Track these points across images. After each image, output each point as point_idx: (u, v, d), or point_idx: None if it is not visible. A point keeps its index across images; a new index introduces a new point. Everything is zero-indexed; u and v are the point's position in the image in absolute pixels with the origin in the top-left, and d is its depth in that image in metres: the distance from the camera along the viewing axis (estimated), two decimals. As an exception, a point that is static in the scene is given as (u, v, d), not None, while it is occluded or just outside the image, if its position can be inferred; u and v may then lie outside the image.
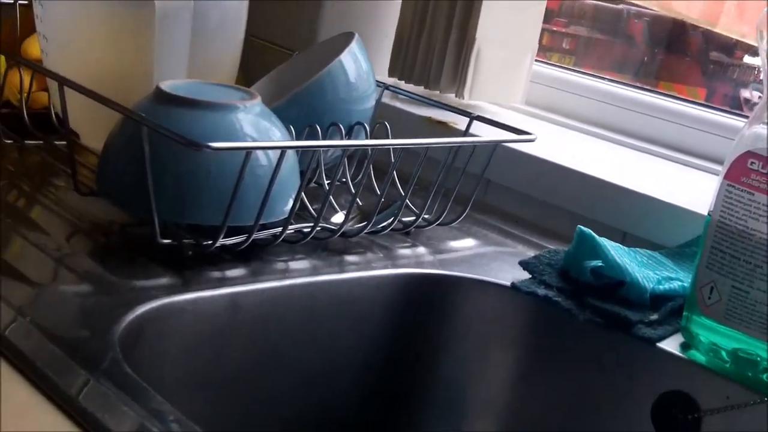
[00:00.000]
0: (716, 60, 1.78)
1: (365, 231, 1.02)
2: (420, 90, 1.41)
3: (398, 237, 1.07)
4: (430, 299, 1.00)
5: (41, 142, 1.13)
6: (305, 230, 0.97)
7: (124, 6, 1.10)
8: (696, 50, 1.80)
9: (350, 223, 1.01)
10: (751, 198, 0.83)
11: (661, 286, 0.94)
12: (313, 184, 1.12)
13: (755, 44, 0.86)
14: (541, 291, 0.95)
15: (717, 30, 1.65)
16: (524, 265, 1.01)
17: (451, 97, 1.40)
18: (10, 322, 0.74)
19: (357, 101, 1.10)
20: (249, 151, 0.86)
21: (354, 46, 1.10)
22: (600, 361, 0.94)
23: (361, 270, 0.97)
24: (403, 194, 1.04)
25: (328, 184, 1.01)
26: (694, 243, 1.03)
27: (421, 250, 1.06)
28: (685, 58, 1.81)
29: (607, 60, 1.91)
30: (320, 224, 0.97)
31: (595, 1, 1.91)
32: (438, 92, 1.40)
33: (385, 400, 1.02)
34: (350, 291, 0.96)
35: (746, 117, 1.08)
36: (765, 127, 0.83)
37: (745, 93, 1.63)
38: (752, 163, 0.83)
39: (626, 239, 1.12)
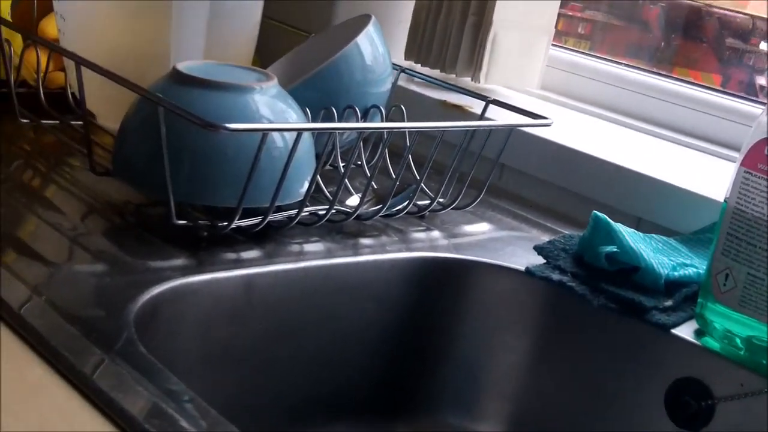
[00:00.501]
0: (732, 46, 1.77)
1: (380, 214, 1.01)
2: (436, 73, 1.41)
3: (413, 220, 1.07)
4: (444, 283, 1.00)
5: (57, 122, 1.13)
6: (320, 213, 0.97)
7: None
8: (712, 36, 1.79)
9: (365, 206, 1.01)
10: (768, 185, 0.82)
11: (675, 273, 0.94)
12: (328, 167, 1.12)
13: None
14: (556, 276, 0.95)
15: (747, 12, 1.64)
16: (539, 250, 1.00)
17: (467, 81, 1.40)
18: (26, 300, 0.74)
19: (373, 84, 1.10)
20: (265, 133, 0.86)
21: (371, 28, 1.10)
22: (614, 347, 0.94)
23: (375, 253, 0.97)
24: (418, 178, 1.04)
25: (343, 166, 1.01)
26: (709, 230, 1.03)
27: (436, 233, 1.05)
28: (700, 44, 1.80)
29: (622, 45, 1.90)
30: (335, 207, 0.97)
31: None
32: (454, 76, 1.40)
33: (397, 383, 1.02)
34: (365, 274, 0.96)
35: (763, 103, 1.07)
36: (783, 114, 0.83)
37: (761, 80, 1.63)
38: (770, 149, 0.83)
39: (641, 225, 1.12)
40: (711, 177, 1.14)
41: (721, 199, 0.87)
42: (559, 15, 1.48)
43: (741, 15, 1.86)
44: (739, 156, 0.86)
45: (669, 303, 0.92)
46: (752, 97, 1.34)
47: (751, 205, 0.83)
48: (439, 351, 1.02)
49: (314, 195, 0.97)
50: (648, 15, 1.90)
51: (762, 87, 1.57)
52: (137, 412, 0.62)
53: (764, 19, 1.56)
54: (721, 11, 1.86)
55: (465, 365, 1.02)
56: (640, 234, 1.00)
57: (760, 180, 0.83)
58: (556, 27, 1.45)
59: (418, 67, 1.42)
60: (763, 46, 1.58)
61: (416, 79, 1.30)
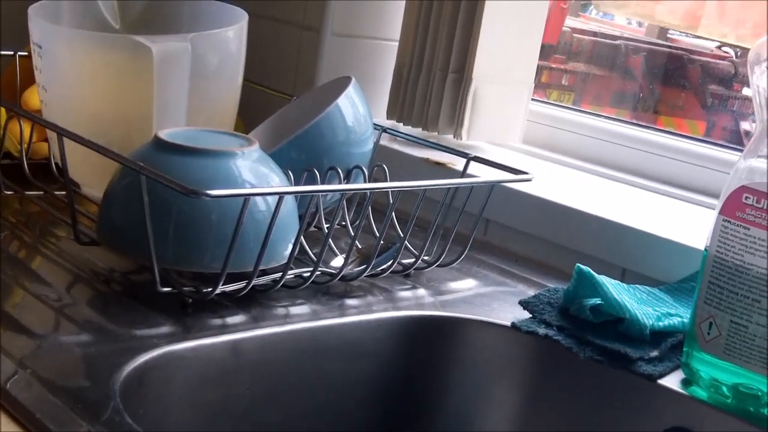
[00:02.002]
0: (715, 92, 1.78)
1: (365, 274, 1.02)
2: (418, 131, 1.42)
3: (398, 279, 1.07)
4: (431, 340, 1.00)
5: (42, 192, 1.14)
6: (305, 275, 0.97)
7: (123, 54, 1.11)
8: (695, 83, 1.80)
9: (350, 267, 1.02)
10: (747, 232, 0.83)
11: (660, 323, 0.94)
12: (312, 228, 1.12)
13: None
14: (542, 330, 0.96)
15: (698, 33, 1.67)
16: (524, 304, 1.01)
17: (449, 138, 1.41)
18: (11, 375, 0.74)
19: (355, 144, 1.11)
20: (247, 197, 0.87)
21: (351, 90, 1.11)
22: (602, 398, 0.94)
23: (362, 313, 0.97)
24: (402, 236, 1.05)
25: (327, 227, 1.02)
26: (692, 278, 1.03)
27: (422, 291, 1.06)
28: (684, 91, 1.81)
29: (606, 95, 1.92)
30: (320, 268, 0.97)
31: (592, 38, 1.92)
32: (436, 134, 1.41)
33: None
34: (352, 334, 0.96)
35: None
36: (759, 160, 0.84)
37: (745, 125, 1.64)
38: (747, 197, 0.83)
39: (626, 276, 1.12)
40: (694, 226, 1.15)
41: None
42: (543, 67, 1.50)
43: (723, 61, 1.88)
44: (717, 204, 0.86)
45: (655, 353, 0.92)
46: (733, 145, 1.35)
47: (731, 253, 0.84)
48: (430, 406, 1.02)
49: (299, 257, 0.97)
50: (631, 64, 1.92)
51: (747, 132, 1.58)
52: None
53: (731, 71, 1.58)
54: (703, 58, 1.88)
55: (456, 420, 1.02)
56: (624, 285, 1.00)
57: (738, 228, 0.83)
58: (539, 79, 1.47)
59: (401, 126, 1.44)
60: (746, 91, 1.59)
61: (399, 138, 1.31)
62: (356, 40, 1.51)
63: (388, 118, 1.47)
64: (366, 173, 1.10)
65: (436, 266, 1.10)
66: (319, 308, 0.96)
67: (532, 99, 1.47)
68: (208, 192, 0.83)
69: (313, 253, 1.01)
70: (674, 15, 1.72)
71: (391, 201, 1.03)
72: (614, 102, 1.88)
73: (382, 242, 1.02)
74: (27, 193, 1.13)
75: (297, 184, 1.03)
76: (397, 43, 1.47)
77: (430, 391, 1.02)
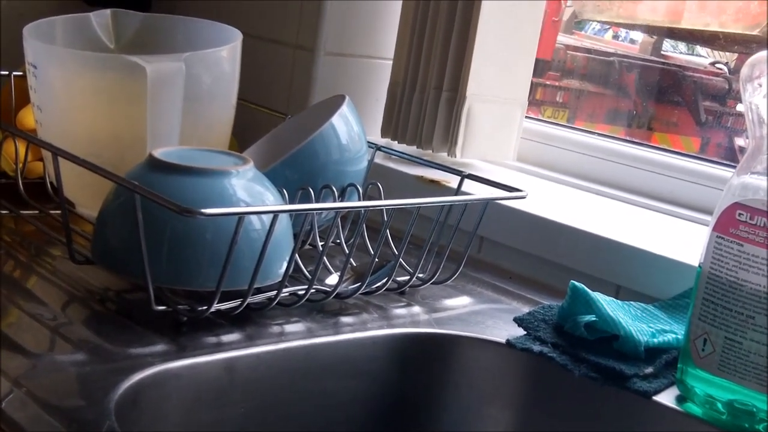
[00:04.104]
0: (709, 109, 1.79)
1: (360, 292, 1.02)
2: (412, 150, 1.42)
3: (393, 297, 1.07)
4: (426, 358, 1.01)
5: (37, 212, 1.14)
6: (300, 293, 0.97)
7: (117, 74, 1.11)
8: (689, 99, 1.81)
9: (344, 284, 1.02)
10: (741, 249, 0.83)
11: (655, 339, 0.94)
12: (307, 246, 1.13)
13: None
14: (536, 347, 0.96)
15: (682, 26, 1.70)
16: (519, 321, 1.01)
17: (443, 156, 1.41)
18: (7, 393, 0.74)
19: (349, 162, 1.11)
20: (242, 216, 0.87)
21: (345, 108, 1.11)
22: (597, 415, 0.94)
23: (356, 331, 0.97)
24: (396, 253, 1.05)
25: (321, 245, 1.02)
26: (686, 295, 1.03)
27: (416, 309, 1.06)
28: (678, 108, 1.82)
29: (600, 112, 1.92)
30: (315, 286, 0.97)
31: (586, 54, 1.92)
32: (431, 152, 1.41)
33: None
34: (347, 352, 0.96)
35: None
36: (753, 177, 0.84)
37: (740, 141, 1.64)
38: (740, 214, 0.83)
39: (620, 292, 1.12)
40: (688, 243, 1.15)
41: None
42: (537, 84, 1.51)
43: (717, 78, 1.89)
44: (711, 221, 0.87)
45: (650, 370, 0.92)
46: (726, 162, 1.36)
47: (724, 269, 0.84)
48: (425, 424, 1.02)
49: (293, 275, 0.98)
50: (625, 81, 1.92)
51: (741, 148, 1.58)
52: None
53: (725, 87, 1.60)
54: (697, 74, 1.89)
55: (451, 439, 1.02)
56: (619, 302, 1.00)
57: (732, 244, 0.84)
58: (534, 96, 1.47)
59: (395, 144, 1.44)
60: (740, 107, 1.60)
61: (393, 156, 1.31)
62: (350, 59, 1.51)
63: (382, 137, 1.47)
64: (360, 191, 1.10)
65: (431, 284, 1.10)
66: (313, 326, 0.96)
67: (526, 116, 1.47)
68: (203, 211, 0.84)
69: (308, 271, 1.02)
70: (656, 12, 1.75)
71: (386, 219, 1.03)
72: (609, 119, 1.88)
73: (376, 260, 1.02)
74: (22, 212, 1.13)
75: (291, 202, 1.03)
76: (391, 62, 1.48)
77: (425, 408, 1.02)
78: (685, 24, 1.71)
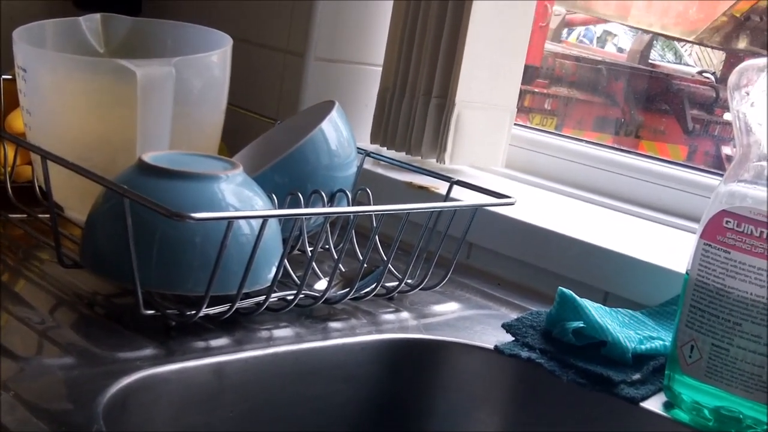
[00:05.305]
0: (697, 117, 1.80)
1: (348, 297, 1.02)
2: (401, 156, 1.42)
3: (382, 302, 1.08)
4: (414, 363, 1.01)
5: (25, 215, 1.14)
6: (288, 298, 0.97)
7: (107, 78, 1.11)
8: (676, 108, 1.82)
9: (333, 290, 1.02)
10: (728, 256, 0.83)
11: (642, 346, 0.95)
12: (296, 252, 1.13)
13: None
14: (525, 353, 0.96)
15: (628, 23, 1.79)
16: (507, 327, 1.01)
17: (432, 162, 1.41)
18: (-5, 397, 0.74)
19: (339, 168, 1.11)
20: (231, 220, 0.87)
21: (334, 114, 1.11)
22: (585, 421, 0.94)
23: (345, 336, 0.98)
24: (385, 259, 1.05)
25: (310, 251, 1.02)
26: (674, 302, 1.04)
27: (405, 314, 1.06)
28: (665, 116, 1.83)
29: (588, 119, 1.93)
30: (303, 291, 0.97)
31: (575, 62, 1.93)
32: (420, 158, 1.42)
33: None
34: (335, 357, 0.96)
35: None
36: (739, 185, 0.85)
37: (727, 150, 1.65)
38: (728, 221, 0.84)
39: (608, 299, 1.13)
40: (675, 250, 1.15)
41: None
42: (526, 92, 1.51)
43: (704, 86, 1.90)
44: (698, 228, 0.87)
45: (637, 376, 0.92)
46: (713, 170, 1.36)
47: (711, 276, 0.85)
48: (414, 429, 1.02)
49: (282, 280, 0.98)
50: (612, 88, 1.93)
51: (728, 157, 1.59)
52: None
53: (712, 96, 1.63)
54: (684, 83, 1.90)
55: (439, 445, 1.02)
56: (606, 308, 1.01)
57: (719, 252, 0.84)
58: (522, 103, 1.48)
59: (384, 150, 1.44)
60: (728, 116, 1.61)
61: (382, 162, 1.31)
62: (340, 64, 1.52)
63: (371, 143, 1.47)
64: (349, 197, 1.11)
65: (420, 289, 1.10)
66: (302, 331, 0.97)
67: (515, 123, 1.48)
68: (192, 215, 0.84)
69: (297, 276, 1.02)
70: (608, 7, 1.82)
71: (375, 224, 1.03)
72: (597, 126, 1.89)
73: (365, 265, 1.02)
74: (10, 216, 1.13)
75: (281, 207, 1.03)
76: (381, 68, 1.48)
77: (413, 413, 1.02)
78: (631, 21, 1.78)
